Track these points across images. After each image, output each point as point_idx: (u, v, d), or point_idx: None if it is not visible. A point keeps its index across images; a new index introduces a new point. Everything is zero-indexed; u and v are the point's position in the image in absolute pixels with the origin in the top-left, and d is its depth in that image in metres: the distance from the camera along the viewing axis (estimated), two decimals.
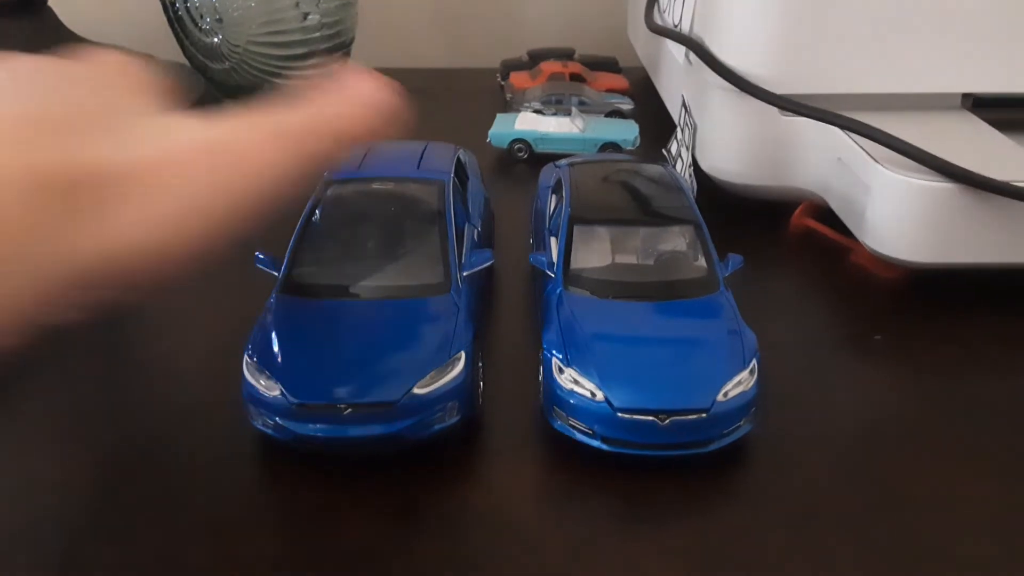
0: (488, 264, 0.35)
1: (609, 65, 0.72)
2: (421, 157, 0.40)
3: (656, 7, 0.58)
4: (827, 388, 0.35)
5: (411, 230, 0.35)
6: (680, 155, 0.52)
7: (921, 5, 0.42)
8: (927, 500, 0.29)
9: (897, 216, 0.38)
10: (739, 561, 0.27)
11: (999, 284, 0.41)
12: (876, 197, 0.39)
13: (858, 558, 0.27)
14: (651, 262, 0.34)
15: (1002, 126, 0.43)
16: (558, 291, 0.33)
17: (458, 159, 0.41)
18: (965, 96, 0.45)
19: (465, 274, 0.34)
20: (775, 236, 0.47)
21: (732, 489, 0.30)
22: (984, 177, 0.36)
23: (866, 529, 0.28)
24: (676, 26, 0.52)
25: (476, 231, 0.38)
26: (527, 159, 0.58)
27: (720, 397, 0.29)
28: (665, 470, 0.30)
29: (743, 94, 0.44)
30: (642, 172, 0.40)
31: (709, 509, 0.29)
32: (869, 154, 0.39)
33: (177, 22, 0.67)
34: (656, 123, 0.59)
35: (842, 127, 0.41)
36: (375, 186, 0.37)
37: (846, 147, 0.41)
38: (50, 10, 0.54)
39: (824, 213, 0.46)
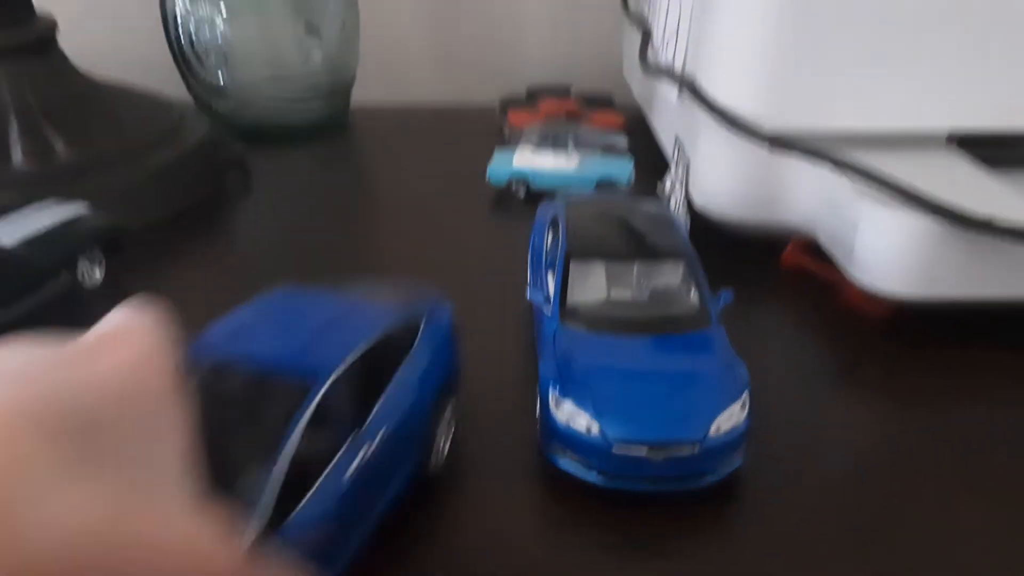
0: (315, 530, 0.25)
1: (605, 102, 0.74)
2: (330, 324, 0.29)
3: (650, 46, 0.60)
4: (816, 421, 0.36)
5: (244, 454, 0.24)
6: (674, 191, 0.53)
7: (908, 46, 0.43)
8: (918, 529, 0.30)
9: (884, 251, 0.39)
10: None
11: (982, 319, 0.42)
12: (863, 232, 0.40)
13: None
14: (645, 297, 0.35)
15: (986, 163, 0.44)
16: (554, 326, 0.34)
17: (408, 323, 0.31)
18: (951, 134, 0.46)
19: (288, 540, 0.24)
20: (767, 271, 0.48)
21: (725, 523, 0.31)
22: (969, 214, 0.37)
23: (858, 559, 0.29)
24: (669, 65, 0.54)
25: (369, 447, 0.27)
26: (525, 196, 0.59)
27: (712, 431, 0.30)
28: (660, 504, 0.31)
29: (734, 132, 0.45)
30: (636, 208, 0.41)
31: (705, 543, 0.30)
32: (856, 190, 0.41)
33: (183, 62, 0.69)
34: (651, 160, 0.61)
35: (837, 167, 0.42)
36: (232, 377, 0.26)
37: (835, 184, 0.43)
38: (60, 50, 0.56)
39: (815, 248, 0.47)
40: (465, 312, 0.38)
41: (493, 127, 0.73)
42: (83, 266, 0.44)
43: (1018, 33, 0.43)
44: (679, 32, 0.52)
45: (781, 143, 0.43)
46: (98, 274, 0.46)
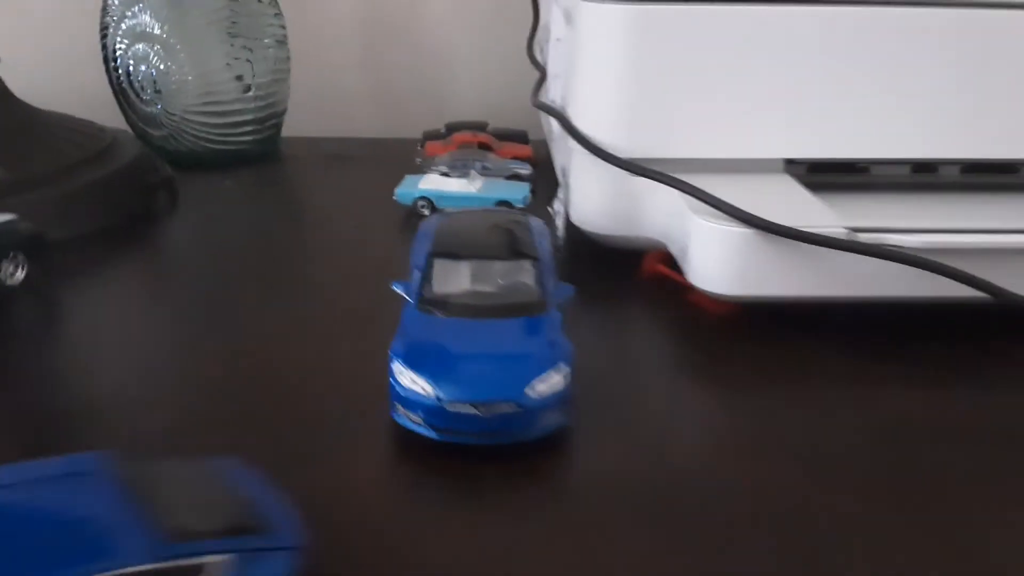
0: None
1: (519, 137, 0.81)
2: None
3: (543, 87, 0.67)
4: (646, 394, 0.42)
5: None
6: (559, 210, 0.60)
7: (742, 86, 0.50)
8: (709, 484, 0.35)
9: (708, 257, 0.46)
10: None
11: (808, 316, 0.48)
12: (694, 241, 0.46)
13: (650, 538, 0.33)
14: (492, 288, 0.41)
15: (821, 187, 0.51)
16: (411, 312, 0.40)
17: None
18: (788, 161, 0.53)
19: None
20: (631, 279, 0.54)
21: (550, 472, 0.36)
22: (775, 223, 0.43)
23: (657, 507, 0.34)
24: (552, 103, 0.60)
25: None
26: (429, 215, 0.65)
27: (530, 392, 0.36)
28: (489, 457, 0.36)
29: (596, 157, 0.51)
30: (500, 218, 0.47)
31: (523, 489, 0.35)
32: (689, 207, 0.47)
33: (120, 92, 0.75)
34: (551, 186, 0.67)
35: (669, 185, 0.48)
36: None
37: (677, 202, 0.49)
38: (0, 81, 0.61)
39: (671, 258, 0.53)
40: (365, 309, 0.47)
41: (414, 158, 0.79)
42: (7, 266, 0.49)
43: (841, 72, 0.50)
44: (557, 74, 0.59)
45: (631, 167, 0.50)
46: (20, 274, 0.50)
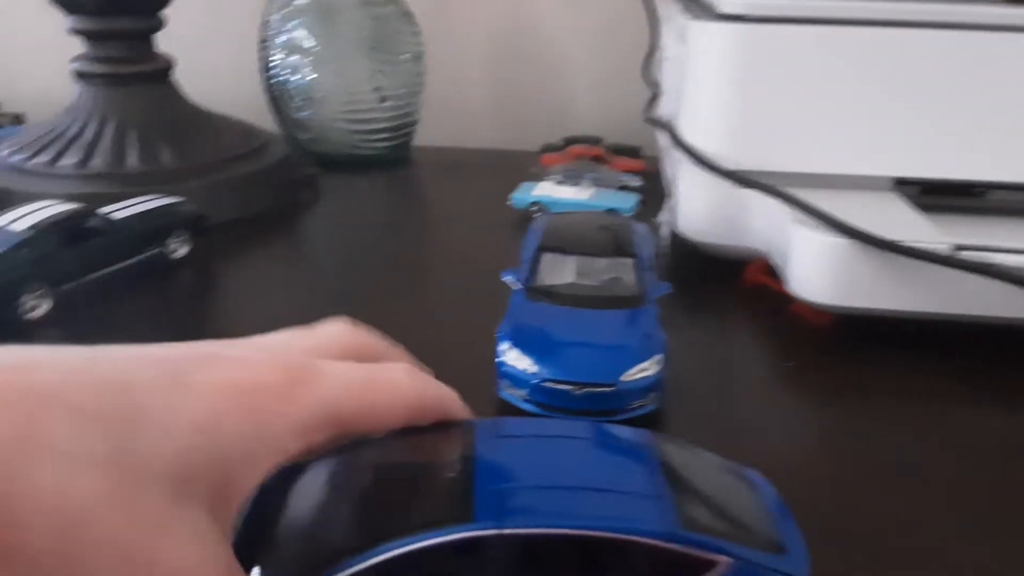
0: None
1: (631, 152, 0.83)
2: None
3: (656, 104, 0.69)
4: (734, 400, 0.44)
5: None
6: (666, 220, 0.62)
7: (857, 100, 0.52)
8: (793, 493, 0.37)
9: (809, 267, 0.47)
10: None
11: (909, 331, 0.49)
12: (795, 252, 0.48)
13: None
14: (594, 282, 0.44)
15: (933, 209, 0.51)
16: (519, 299, 0.44)
17: None
18: (898, 180, 0.54)
19: None
20: (733, 287, 0.56)
21: None
22: (876, 236, 0.45)
23: None
24: (662, 117, 0.63)
25: None
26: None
27: (625, 377, 0.38)
28: None
29: (702, 169, 0.54)
30: (606, 220, 0.50)
31: None
32: (792, 218, 0.49)
33: (274, 100, 0.83)
34: (659, 199, 0.70)
35: (773, 196, 0.50)
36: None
37: (780, 213, 0.51)
38: (173, 82, 0.70)
39: (773, 269, 0.54)
40: (478, 297, 0.50)
41: (531, 168, 0.83)
42: (173, 242, 0.57)
43: (958, 92, 0.51)
44: (669, 91, 0.62)
45: (737, 178, 0.52)
46: (183, 250, 0.58)
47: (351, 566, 0.21)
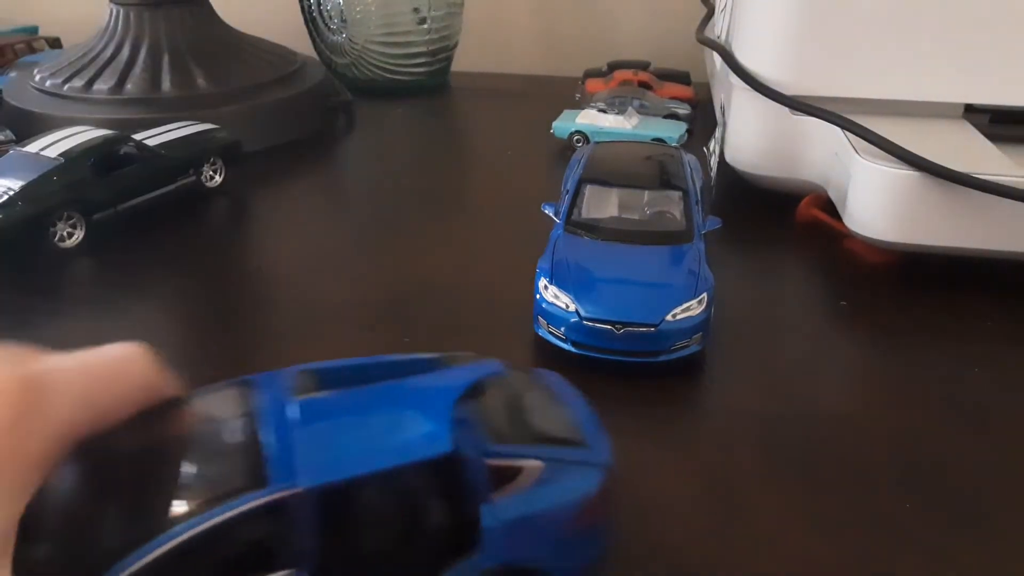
0: None
1: (680, 78, 0.79)
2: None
3: (711, 22, 0.65)
4: (782, 337, 0.42)
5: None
6: (714, 150, 0.59)
7: (927, 21, 0.47)
8: (846, 429, 0.35)
9: (871, 201, 0.44)
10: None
11: (968, 268, 0.46)
12: (856, 184, 0.45)
13: (769, 471, 0.33)
14: (639, 216, 0.42)
15: (1005, 140, 0.47)
16: (559, 232, 0.42)
17: None
18: (968, 107, 0.50)
19: None
20: (784, 222, 0.53)
21: (682, 393, 0.37)
22: (946, 168, 0.41)
23: (785, 441, 0.34)
24: (717, 39, 0.59)
25: None
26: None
27: (669, 317, 0.37)
28: (620, 373, 0.38)
29: (760, 95, 0.50)
30: (653, 151, 0.47)
31: (652, 409, 0.36)
32: (854, 147, 0.45)
33: (311, 22, 0.80)
34: (710, 128, 0.66)
35: (834, 123, 0.47)
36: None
37: (840, 143, 0.47)
38: (209, 4, 0.67)
39: (829, 204, 0.51)
40: (516, 229, 0.50)
41: (574, 94, 0.80)
42: (207, 170, 0.56)
43: None
44: (725, 10, 0.58)
45: (795, 105, 0.49)
46: (218, 178, 0.57)
47: (132, 564, 0.19)
